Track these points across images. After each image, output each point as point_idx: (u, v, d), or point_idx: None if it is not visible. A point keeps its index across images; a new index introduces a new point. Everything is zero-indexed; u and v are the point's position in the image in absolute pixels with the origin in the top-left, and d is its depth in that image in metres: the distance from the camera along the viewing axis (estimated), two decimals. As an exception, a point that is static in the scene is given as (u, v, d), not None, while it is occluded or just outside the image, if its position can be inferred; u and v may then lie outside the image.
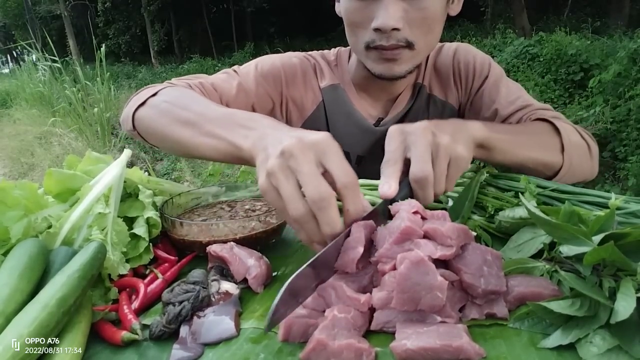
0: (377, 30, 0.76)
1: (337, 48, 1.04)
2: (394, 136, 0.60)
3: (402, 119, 0.96)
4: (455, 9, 0.84)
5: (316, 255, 0.45)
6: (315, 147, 0.48)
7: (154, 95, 0.76)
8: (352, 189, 0.47)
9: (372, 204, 0.74)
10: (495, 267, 0.47)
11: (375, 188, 0.79)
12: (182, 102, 0.70)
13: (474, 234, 0.58)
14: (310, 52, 1.03)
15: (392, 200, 0.54)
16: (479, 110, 0.94)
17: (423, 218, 0.50)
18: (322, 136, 0.49)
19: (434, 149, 0.57)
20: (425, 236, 0.48)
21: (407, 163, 0.58)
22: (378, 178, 0.80)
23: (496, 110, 0.90)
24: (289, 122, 0.97)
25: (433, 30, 0.80)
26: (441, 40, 0.91)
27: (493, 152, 0.70)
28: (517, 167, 0.74)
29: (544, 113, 0.86)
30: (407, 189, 0.57)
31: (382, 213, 0.54)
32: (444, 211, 0.51)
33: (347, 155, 0.97)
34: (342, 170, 0.47)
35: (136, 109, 0.76)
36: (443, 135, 0.59)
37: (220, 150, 0.59)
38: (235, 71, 0.94)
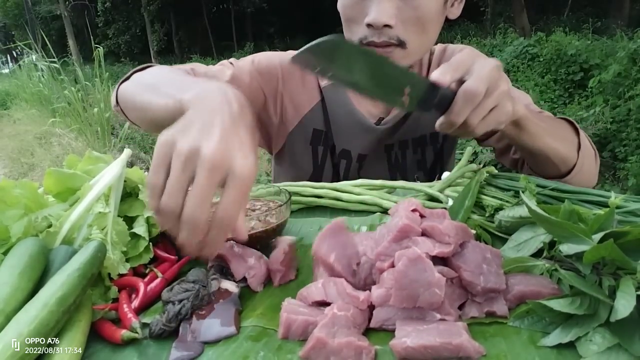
0: (369, 26, 0.76)
1: None
2: (467, 54, 0.61)
3: (404, 118, 0.95)
4: (455, 12, 0.84)
5: None
6: (231, 173, 0.42)
7: (139, 71, 0.78)
8: (220, 229, 0.43)
9: (373, 204, 0.75)
10: (494, 265, 0.47)
11: (375, 189, 0.79)
12: (156, 73, 0.72)
13: (473, 232, 0.58)
14: None
15: (435, 89, 0.57)
16: None
17: (422, 216, 0.50)
18: (247, 166, 0.43)
19: (492, 86, 0.58)
20: (424, 234, 0.48)
21: (458, 85, 0.58)
22: (379, 177, 0.81)
23: None
24: (283, 118, 0.97)
25: (427, 31, 0.80)
26: (442, 41, 0.91)
27: (523, 133, 0.71)
28: (539, 153, 0.74)
29: (558, 117, 0.88)
30: (450, 94, 0.58)
31: (424, 93, 0.57)
32: (443, 209, 0.52)
33: (348, 153, 0.97)
34: (227, 209, 0.42)
35: (120, 84, 0.78)
36: (505, 83, 0.60)
37: (169, 109, 0.53)
38: (231, 63, 0.94)
